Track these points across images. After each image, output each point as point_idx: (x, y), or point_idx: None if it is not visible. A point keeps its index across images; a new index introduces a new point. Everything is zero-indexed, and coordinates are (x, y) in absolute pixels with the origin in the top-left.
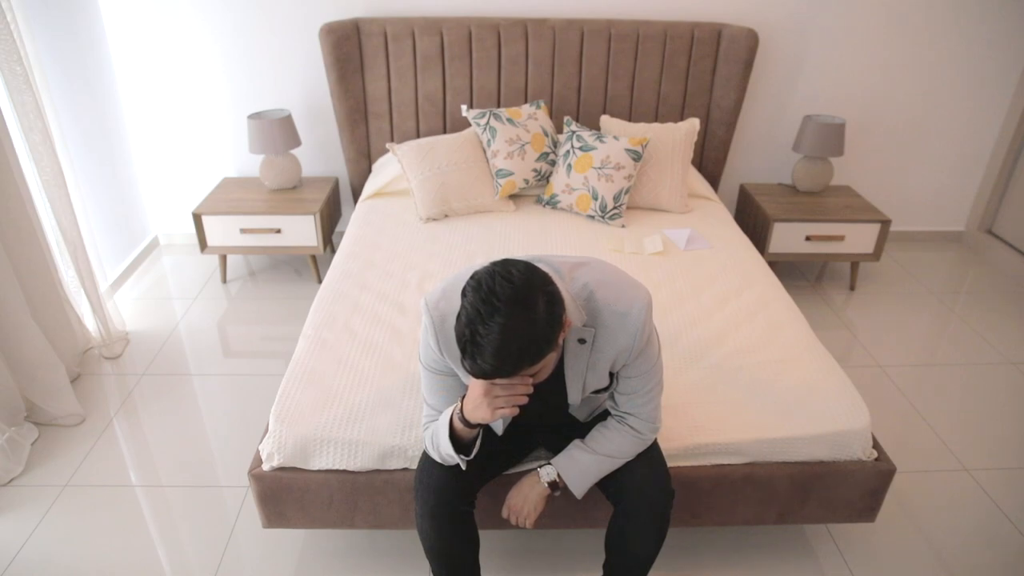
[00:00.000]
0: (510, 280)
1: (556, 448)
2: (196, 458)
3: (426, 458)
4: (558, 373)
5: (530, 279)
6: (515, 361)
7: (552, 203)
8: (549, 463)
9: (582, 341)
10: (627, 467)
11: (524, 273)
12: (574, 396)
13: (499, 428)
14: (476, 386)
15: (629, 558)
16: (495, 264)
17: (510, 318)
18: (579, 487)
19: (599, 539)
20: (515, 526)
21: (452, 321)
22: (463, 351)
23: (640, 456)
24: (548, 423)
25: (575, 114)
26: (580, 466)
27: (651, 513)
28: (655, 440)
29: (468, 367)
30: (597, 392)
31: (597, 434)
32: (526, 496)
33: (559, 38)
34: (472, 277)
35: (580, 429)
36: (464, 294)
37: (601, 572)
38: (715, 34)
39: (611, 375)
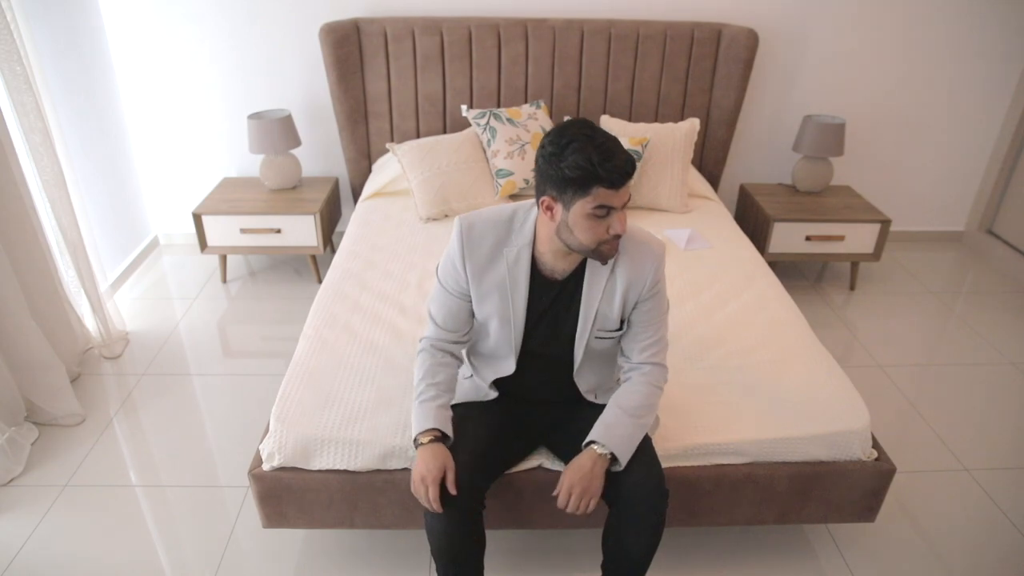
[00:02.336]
0: (572, 118)
1: (557, 448)
2: (196, 458)
3: None
4: (574, 294)
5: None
6: (629, 152)
7: None
8: (593, 441)
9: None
10: None
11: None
12: (585, 323)
13: (511, 365)
14: (419, 472)
15: (625, 558)
16: (550, 131)
17: (599, 128)
18: (625, 453)
19: (599, 539)
20: (571, 514)
21: (480, 229)
22: (599, 168)
23: (635, 456)
24: (552, 386)
25: (575, 114)
26: (620, 432)
27: (646, 513)
28: (650, 440)
29: (610, 172)
30: (605, 337)
31: (620, 395)
32: (594, 474)
33: (559, 38)
34: (550, 133)
35: (583, 416)
36: (557, 141)
37: (600, 573)
38: (715, 34)
39: (622, 321)
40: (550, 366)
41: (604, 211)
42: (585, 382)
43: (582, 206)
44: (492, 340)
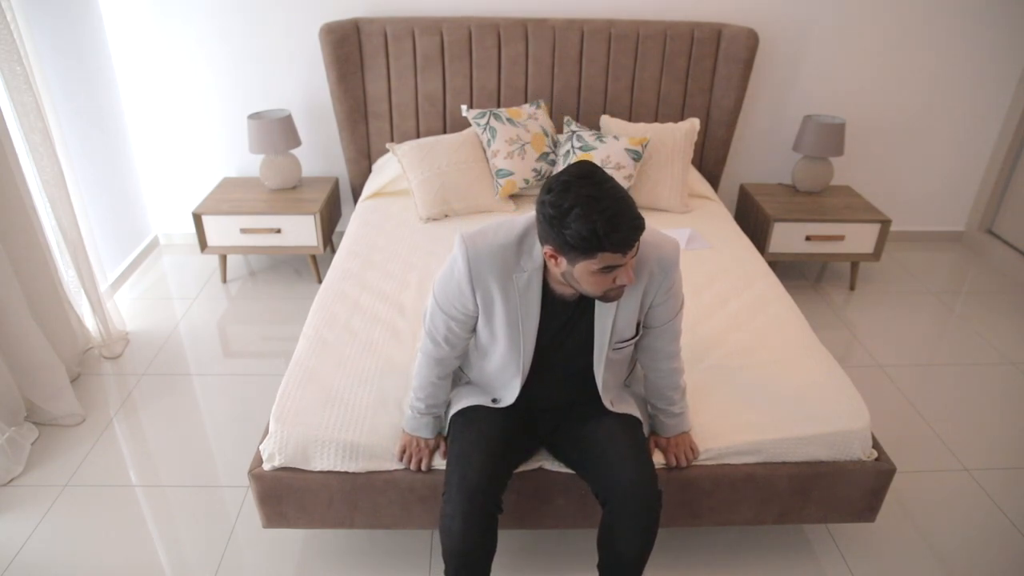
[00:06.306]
0: (579, 165)
1: (557, 450)
2: (196, 458)
3: (460, 459)
4: (585, 313)
5: (584, 162)
6: (639, 214)
7: None
8: (660, 437)
9: None
10: (613, 468)
11: (577, 162)
12: (602, 339)
13: (515, 390)
14: (423, 440)
15: (619, 558)
16: (554, 177)
17: (610, 180)
18: (687, 423)
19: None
20: (681, 465)
21: (489, 256)
22: (605, 238)
23: (626, 456)
24: (559, 397)
25: (575, 114)
26: (676, 421)
27: (638, 514)
28: (643, 440)
29: (616, 244)
30: (621, 346)
31: (666, 403)
32: (687, 440)
33: (559, 38)
34: (552, 189)
35: (585, 421)
36: (559, 204)
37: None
38: (715, 34)
39: (637, 325)
40: (559, 380)
41: (610, 269)
42: (607, 392)
43: (586, 266)
44: (495, 362)
